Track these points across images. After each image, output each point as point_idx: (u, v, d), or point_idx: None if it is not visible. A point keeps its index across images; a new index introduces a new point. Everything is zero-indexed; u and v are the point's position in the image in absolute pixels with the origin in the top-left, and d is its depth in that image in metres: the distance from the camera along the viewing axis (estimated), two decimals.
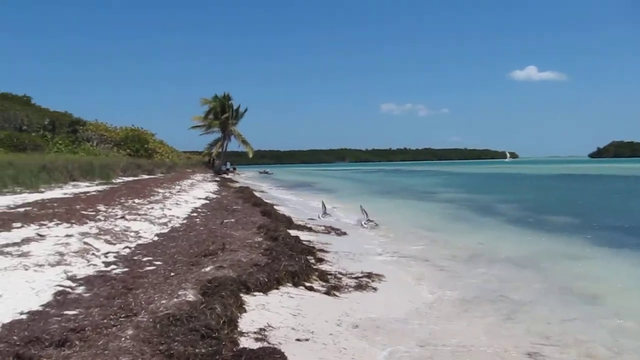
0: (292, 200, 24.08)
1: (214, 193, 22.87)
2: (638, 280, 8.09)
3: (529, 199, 23.84)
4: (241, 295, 5.54)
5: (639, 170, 60.91)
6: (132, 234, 10.10)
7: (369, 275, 7.50)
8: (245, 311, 5.10)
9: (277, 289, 6.09)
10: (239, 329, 4.57)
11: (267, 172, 74.55)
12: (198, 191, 23.37)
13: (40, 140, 38.68)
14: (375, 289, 6.86)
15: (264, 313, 5.15)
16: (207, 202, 18.33)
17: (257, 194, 24.85)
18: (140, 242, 9.34)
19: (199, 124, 58.48)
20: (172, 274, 6.71)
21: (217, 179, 43.95)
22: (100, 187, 23.81)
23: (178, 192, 21.90)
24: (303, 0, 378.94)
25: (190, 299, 5.22)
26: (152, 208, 14.51)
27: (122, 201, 15.97)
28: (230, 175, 57.72)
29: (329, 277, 7.13)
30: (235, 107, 58.74)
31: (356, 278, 7.35)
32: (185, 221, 12.42)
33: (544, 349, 4.82)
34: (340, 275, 7.37)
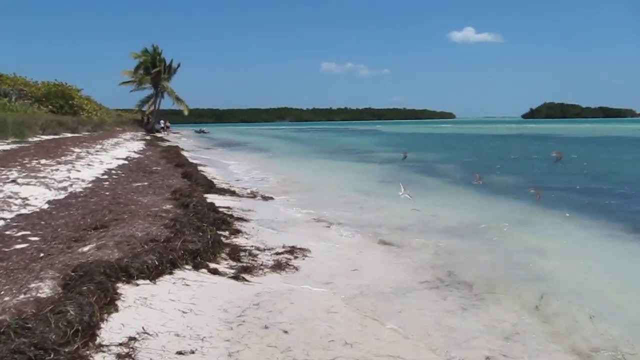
0: (222, 161, 22.62)
1: (137, 153, 21.11)
2: (588, 247, 7.39)
3: (470, 159, 23.41)
4: (119, 285, 4.29)
5: (570, 130, 62.66)
6: (19, 201, 8.55)
7: (292, 250, 6.36)
8: (117, 310, 3.86)
9: (171, 273, 4.85)
10: (97, 341, 3.34)
11: (203, 131, 71.87)
12: (120, 150, 21.52)
13: None
14: (297, 268, 5.74)
15: (143, 311, 3.92)
16: (126, 162, 16.67)
17: (185, 154, 23.24)
18: (23, 211, 7.84)
19: (128, 79, 55.09)
20: (42, 254, 5.36)
21: (148, 137, 41.60)
22: (10, 147, 21.65)
23: (97, 151, 20.01)
24: None
25: (42, 295, 3.94)
26: (57, 170, 12.84)
27: (24, 162, 14.20)
28: (162, 134, 55.09)
29: (242, 254, 5.92)
30: (168, 62, 55.63)
31: (276, 254, 6.20)
32: (90, 185, 10.88)
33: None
34: (256, 252, 6.18)
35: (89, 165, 14.62)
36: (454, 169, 17.98)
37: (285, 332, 3.87)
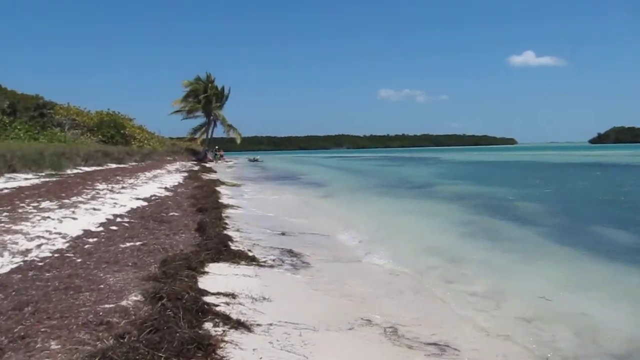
0: (262, 197, 19.71)
1: (167, 189, 18.58)
2: None
3: (551, 194, 19.60)
4: None
5: None
6: None
7: None
8: None
9: None
10: None
11: (256, 160, 70.07)
12: (150, 187, 19.08)
13: None
14: None
15: None
16: (144, 204, 14.05)
17: (223, 190, 20.56)
18: None
19: (178, 108, 53.84)
20: None
21: (195, 168, 39.60)
22: (37, 180, 19.73)
23: (122, 188, 17.64)
24: None
25: None
26: (48, 218, 10.31)
27: (20, 204, 11.91)
28: (214, 163, 53.34)
29: None
30: (219, 89, 54.10)
31: None
32: (67, 245, 8.14)
33: None
34: None
35: (94, 210, 12.04)
36: (547, 214, 14.31)
37: None
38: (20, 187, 15.57)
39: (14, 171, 22.13)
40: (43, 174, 23.08)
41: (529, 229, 11.53)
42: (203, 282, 6.09)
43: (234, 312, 5.16)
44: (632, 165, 44.43)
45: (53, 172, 24.00)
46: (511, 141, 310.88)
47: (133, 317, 4.66)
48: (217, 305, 5.29)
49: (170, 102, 54.22)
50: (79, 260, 7.13)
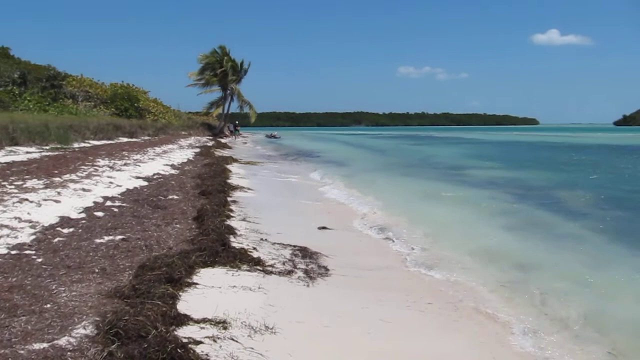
0: (277, 179, 18.08)
1: (173, 167, 17.08)
2: None
3: (601, 181, 17.64)
4: None
5: None
6: None
7: None
8: None
9: None
10: None
11: (274, 136, 68.26)
12: (155, 163, 17.59)
13: (5, 95, 33.06)
14: None
15: None
16: (145, 184, 12.56)
17: (235, 169, 19.01)
18: None
19: (194, 81, 52.14)
20: None
21: (209, 143, 38.11)
22: (38, 154, 18.43)
23: (125, 165, 16.16)
24: None
25: None
26: (24, 200, 8.84)
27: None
28: (230, 139, 51.79)
29: None
30: (238, 62, 52.21)
31: None
32: (32, 238, 6.64)
33: None
34: None
35: (83, 190, 10.54)
36: (605, 204, 12.49)
37: None
38: (12, 162, 14.14)
39: (17, 144, 20.87)
40: (47, 147, 21.83)
41: (591, 224, 9.73)
42: (186, 301, 4.53)
43: (220, 357, 3.58)
44: None
45: (58, 146, 22.71)
46: (533, 121, 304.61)
47: None
48: (198, 343, 3.72)
49: (187, 74, 52.66)
50: (38, 260, 5.62)
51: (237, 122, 58.88)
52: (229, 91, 53.24)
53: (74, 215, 8.25)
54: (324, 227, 9.03)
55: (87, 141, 27.82)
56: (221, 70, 50.08)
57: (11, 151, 19.02)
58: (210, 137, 48.32)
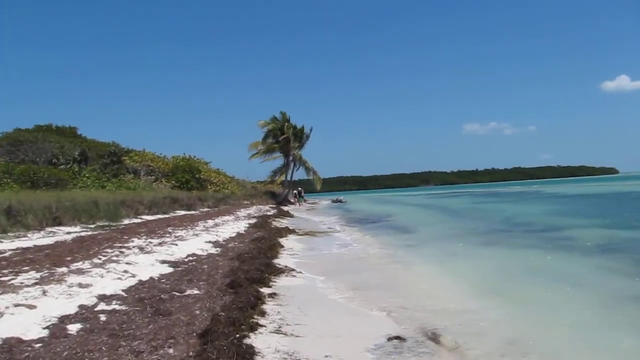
0: (339, 258, 15.16)
1: (216, 244, 14.60)
2: None
3: None
4: None
5: None
6: None
7: None
8: None
9: None
10: None
11: (340, 201, 65.78)
12: (197, 240, 15.18)
13: (65, 174, 32.49)
14: None
15: None
16: (171, 270, 10.05)
17: (290, 243, 16.34)
18: None
19: (256, 151, 50.91)
20: None
21: (270, 212, 35.93)
22: (71, 235, 16.54)
23: (160, 244, 13.84)
24: (381, 25, 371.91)
25: None
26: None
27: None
28: (295, 205, 49.68)
29: None
30: (298, 128, 50.70)
31: None
32: None
33: None
34: None
35: (80, 286, 8.11)
36: None
37: None
38: (19, 249, 12.04)
39: (60, 224, 19.27)
40: (92, 226, 20.13)
41: None
42: None
43: None
44: None
45: (105, 224, 21.03)
46: (612, 170, 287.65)
47: None
48: None
49: (247, 145, 51.68)
50: None
51: (300, 188, 57.09)
52: (291, 158, 51.64)
53: (32, 333, 5.70)
54: (396, 338, 6.02)
55: (140, 217, 26.28)
56: (283, 137, 48.67)
57: (50, 232, 17.36)
58: (273, 206, 46.41)
